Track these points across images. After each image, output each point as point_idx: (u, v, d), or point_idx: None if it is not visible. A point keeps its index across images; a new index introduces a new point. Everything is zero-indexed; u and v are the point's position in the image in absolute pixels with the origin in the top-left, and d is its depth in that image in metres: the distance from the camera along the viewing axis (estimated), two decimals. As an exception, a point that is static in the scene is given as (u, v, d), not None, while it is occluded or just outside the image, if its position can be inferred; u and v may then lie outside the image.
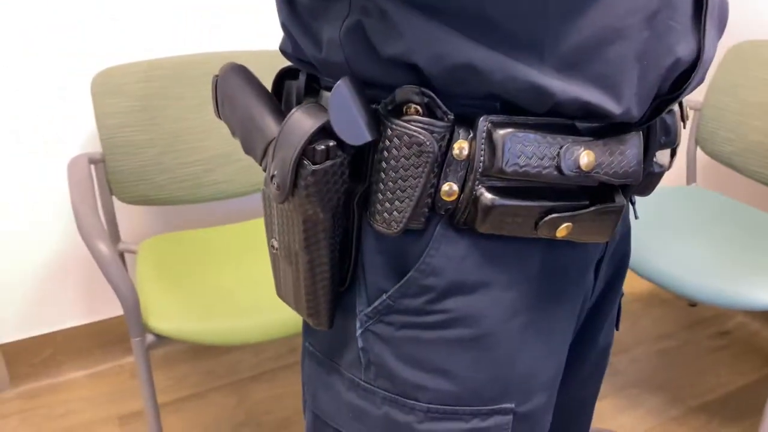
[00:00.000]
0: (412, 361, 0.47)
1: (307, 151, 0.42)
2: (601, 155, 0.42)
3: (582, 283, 0.52)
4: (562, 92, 0.41)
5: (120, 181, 1.36)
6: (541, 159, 0.41)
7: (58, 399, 1.56)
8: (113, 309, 1.65)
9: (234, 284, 1.23)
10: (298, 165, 0.42)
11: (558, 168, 0.42)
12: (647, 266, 1.32)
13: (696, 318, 1.83)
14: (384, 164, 0.43)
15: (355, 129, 0.41)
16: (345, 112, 0.41)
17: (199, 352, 1.69)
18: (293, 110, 0.43)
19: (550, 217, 0.43)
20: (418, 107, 0.41)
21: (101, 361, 1.66)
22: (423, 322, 0.46)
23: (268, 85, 0.51)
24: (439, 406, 0.47)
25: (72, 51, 1.37)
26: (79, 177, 1.22)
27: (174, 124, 1.37)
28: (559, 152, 0.42)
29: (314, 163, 0.42)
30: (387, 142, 0.42)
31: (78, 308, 1.63)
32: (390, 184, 0.43)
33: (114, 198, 1.40)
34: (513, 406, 0.49)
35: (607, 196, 0.45)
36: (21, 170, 1.44)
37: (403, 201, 0.43)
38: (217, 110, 0.51)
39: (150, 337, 1.13)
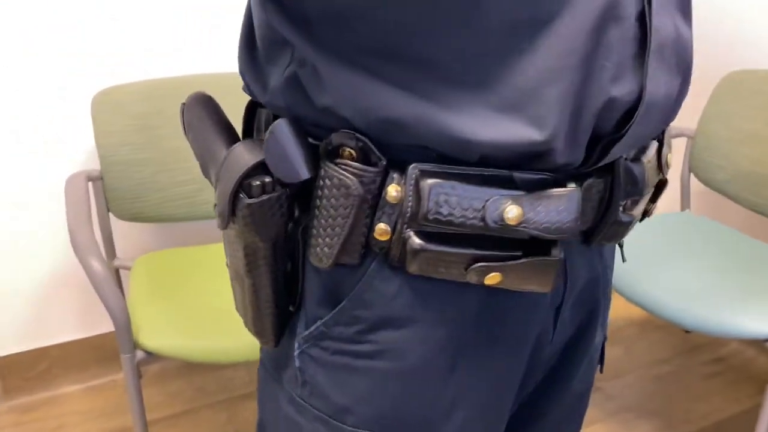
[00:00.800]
0: (342, 385, 0.49)
1: (243, 186, 0.44)
2: (531, 210, 0.42)
3: (527, 329, 0.52)
4: (491, 141, 0.41)
5: (117, 198, 1.38)
6: (465, 210, 0.42)
7: (52, 413, 1.57)
8: (108, 324, 1.66)
9: (226, 302, 1.24)
10: (235, 197, 0.44)
11: (483, 220, 0.42)
12: (639, 293, 1.32)
13: (691, 344, 1.83)
14: (318, 202, 0.45)
15: (289, 167, 0.44)
16: (279, 151, 0.44)
17: (193, 368, 1.69)
18: (235, 145, 0.46)
19: (477, 265, 0.44)
20: (353, 151, 0.43)
21: (96, 375, 1.67)
22: (354, 351, 0.48)
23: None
24: (362, 431, 0.49)
25: (72, 51, 1.39)
26: (77, 195, 1.24)
27: (170, 144, 1.39)
28: (485, 204, 0.42)
29: (249, 197, 0.44)
30: (320, 182, 0.45)
31: (73, 323, 1.65)
32: (322, 221, 0.45)
33: (111, 215, 1.42)
34: None
35: (541, 249, 0.45)
36: (20, 178, 1.46)
37: (333, 238, 0.45)
38: (186, 134, 0.53)
39: (140, 354, 1.14)
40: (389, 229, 0.44)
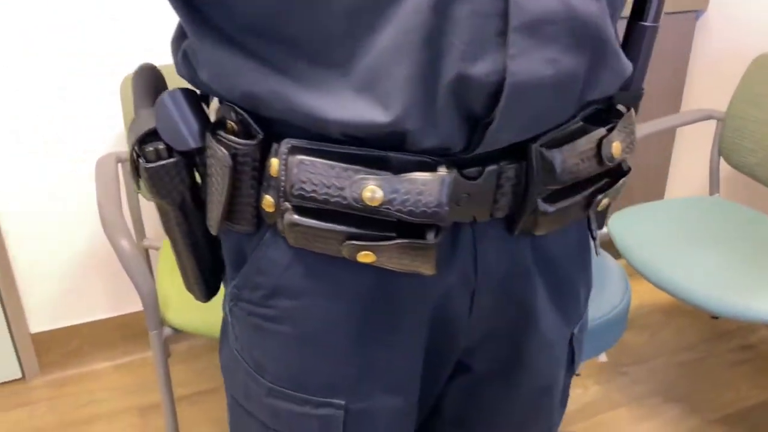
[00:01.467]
0: (257, 343, 0.52)
1: (141, 150, 0.47)
2: (393, 192, 0.42)
3: (420, 308, 0.51)
4: (343, 121, 0.41)
5: (146, 179, 1.40)
6: (328, 188, 0.42)
7: (83, 388, 1.62)
8: (137, 304, 1.70)
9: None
10: (137, 161, 0.48)
11: (345, 198, 0.42)
12: (665, 278, 1.31)
13: (719, 330, 1.81)
14: (206, 170, 0.48)
15: (177, 136, 0.47)
16: (168, 120, 0.47)
17: (219, 347, 1.73)
18: (139, 110, 0.49)
19: (348, 242, 0.44)
20: (234, 124, 0.45)
21: (126, 353, 1.72)
22: (261, 314, 0.51)
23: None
24: (276, 387, 0.52)
25: (72, 51, 1.41)
26: (106, 176, 1.27)
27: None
28: (346, 184, 0.42)
29: (147, 161, 0.47)
30: (206, 153, 0.47)
31: (105, 301, 1.69)
32: (208, 189, 0.48)
33: (140, 196, 1.45)
34: (344, 402, 0.51)
35: (416, 233, 0.44)
36: (46, 164, 1.50)
37: (216, 206, 0.48)
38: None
39: (167, 330, 1.17)
40: (273, 201, 0.45)
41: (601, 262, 1.13)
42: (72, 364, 1.69)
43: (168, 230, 0.53)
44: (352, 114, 0.41)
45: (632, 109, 0.50)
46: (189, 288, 0.58)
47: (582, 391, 1.59)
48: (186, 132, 0.47)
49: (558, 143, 0.46)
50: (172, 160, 0.47)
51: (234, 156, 0.44)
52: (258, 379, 0.53)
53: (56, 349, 1.68)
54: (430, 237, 0.44)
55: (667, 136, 1.93)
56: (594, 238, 0.56)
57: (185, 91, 0.47)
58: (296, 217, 0.44)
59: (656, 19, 0.49)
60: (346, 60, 0.40)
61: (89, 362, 1.69)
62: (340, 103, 0.41)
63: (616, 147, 0.47)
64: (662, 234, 1.39)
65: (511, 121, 0.42)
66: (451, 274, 0.49)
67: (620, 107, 0.50)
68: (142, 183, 0.49)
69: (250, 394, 0.55)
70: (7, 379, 1.64)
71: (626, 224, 1.49)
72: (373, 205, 0.42)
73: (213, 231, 0.50)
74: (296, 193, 0.43)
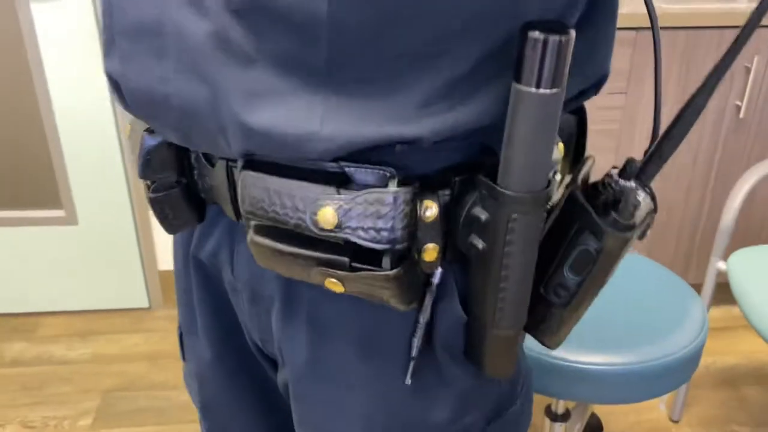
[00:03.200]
0: None
1: None
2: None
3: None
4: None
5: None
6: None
7: (196, 327, 1.79)
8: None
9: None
10: None
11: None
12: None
13: None
14: None
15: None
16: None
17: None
18: None
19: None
20: None
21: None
22: None
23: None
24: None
25: None
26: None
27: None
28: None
29: None
30: None
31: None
32: None
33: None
34: None
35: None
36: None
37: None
38: None
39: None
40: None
41: (684, 298, 1.01)
42: (192, 303, 1.87)
43: None
44: None
45: (398, 186, 0.38)
46: None
47: (676, 441, 1.43)
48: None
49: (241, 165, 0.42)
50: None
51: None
52: None
53: (180, 288, 1.87)
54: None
55: None
56: (412, 359, 0.45)
57: None
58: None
59: (539, 83, 0.34)
60: None
61: (204, 305, 1.87)
62: None
63: (324, 215, 0.38)
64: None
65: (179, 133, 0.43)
66: None
67: (358, 175, 0.39)
68: None
69: None
70: (134, 307, 1.87)
71: (749, 265, 1.30)
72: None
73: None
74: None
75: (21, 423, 1.46)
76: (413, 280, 0.40)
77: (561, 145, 0.45)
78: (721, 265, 1.31)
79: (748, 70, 1.52)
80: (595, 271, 0.41)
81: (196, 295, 0.55)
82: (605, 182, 0.41)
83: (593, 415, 1.45)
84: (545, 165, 0.37)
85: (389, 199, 0.37)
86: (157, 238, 1.81)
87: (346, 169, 0.38)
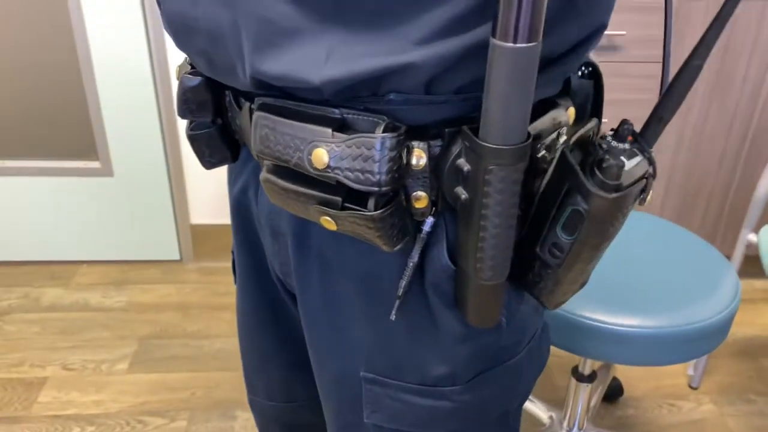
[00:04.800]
0: None
1: None
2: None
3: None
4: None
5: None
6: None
7: (225, 280, 1.84)
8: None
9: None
10: None
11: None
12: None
13: None
14: None
15: None
16: None
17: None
18: None
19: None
20: None
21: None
22: None
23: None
24: None
25: None
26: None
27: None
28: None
29: None
30: None
31: (254, 209, 1.88)
32: None
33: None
34: None
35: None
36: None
37: None
38: None
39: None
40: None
41: (717, 267, 1.02)
42: (222, 257, 1.92)
43: None
44: None
45: (384, 132, 0.40)
46: None
47: (693, 406, 1.46)
48: None
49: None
50: None
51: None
52: None
53: (211, 242, 1.91)
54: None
55: None
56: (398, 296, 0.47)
57: None
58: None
59: (515, 37, 0.34)
60: None
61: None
62: None
63: (317, 155, 0.41)
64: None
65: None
66: None
67: (367, 121, 0.41)
68: None
69: None
70: (166, 259, 1.91)
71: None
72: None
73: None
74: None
75: (61, 365, 1.52)
76: (398, 223, 0.42)
77: (572, 110, 0.46)
78: (752, 237, 1.32)
79: (789, 42, 1.50)
80: (585, 231, 0.42)
81: (233, 228, 0.61)
82: (597, 143, 0.42)
83: (614, 379, 1.49)
84: (522, 119, 0.38)
85: (376, 143, 0.39)
86: (190, 193, 1.84)
87: (345, 115, 0.41)
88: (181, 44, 0.49)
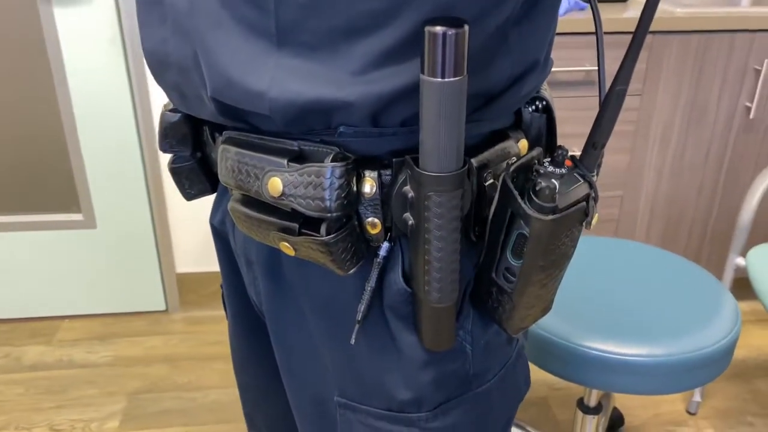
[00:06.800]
0: None
1: None
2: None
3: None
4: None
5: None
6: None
7: (214, 329, 1.80)
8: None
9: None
10: None
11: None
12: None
13: None
14: None
15: None
16: None
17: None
18: None
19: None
20: None
21: (253, 305, 1.88)
22: None
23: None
24: None
25: None
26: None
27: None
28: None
29: None
30: None
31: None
32: None
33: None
34: None
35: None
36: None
37: None
38: None
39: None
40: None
41: (714, 291, 1.04)
42: (209, 305, 1.88)
43: None
44: None
45: (333, 161, 0.42)
46: None
47: (693, 432, 1.47)
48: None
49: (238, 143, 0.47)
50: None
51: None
52: None
53: (197, 290, 1.88)
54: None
55: None
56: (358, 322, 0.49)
57: None
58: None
59: (443, 73, 0.36)
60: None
61: (221, 307, 1.87)
62: None
63: (272, 183, 0.44)
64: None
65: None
66: None
67: (317, 151, 0.44)
68: None
69: None
70: (152, 310, 1.87)
71: (769, 261, 1.34)
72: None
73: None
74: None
75: (48, 426, 1.46)
76: (350, 248, 0.44)
77: (524, 141, 0.49)
78: (740, 260, 1.35)
79: (758, 72, 1.57)
80: (531, 254, 0.44)
81: (218, 259, 0.64)
82: (535, 169, 0.45)
83: (615, 409, 1.49)
84: (456, 148, 0.40)
85: (326, 172, 0.42)
86: (174, 241, 1.82)
87: (302, 147, 0.44)
88: (158, 80, 0.52)
